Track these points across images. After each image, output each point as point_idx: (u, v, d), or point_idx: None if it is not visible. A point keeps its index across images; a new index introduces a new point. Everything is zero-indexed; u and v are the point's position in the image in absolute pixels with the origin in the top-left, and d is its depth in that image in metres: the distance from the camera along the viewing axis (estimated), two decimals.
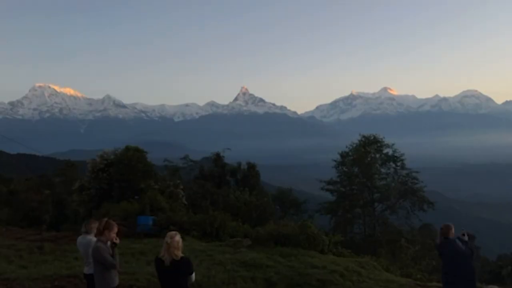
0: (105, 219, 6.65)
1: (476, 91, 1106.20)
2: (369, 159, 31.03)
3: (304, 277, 11.68)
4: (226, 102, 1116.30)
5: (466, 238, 8.25)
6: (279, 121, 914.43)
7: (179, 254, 5.75)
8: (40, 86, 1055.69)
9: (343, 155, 32.14)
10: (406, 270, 16.94)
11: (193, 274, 5.98)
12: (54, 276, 11.35)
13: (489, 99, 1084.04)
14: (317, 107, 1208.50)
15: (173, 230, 6.41)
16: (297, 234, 15.85)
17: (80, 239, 7.58)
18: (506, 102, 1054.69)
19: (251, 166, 35.80)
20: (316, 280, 11.50)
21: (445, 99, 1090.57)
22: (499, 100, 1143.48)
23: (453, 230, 8.23)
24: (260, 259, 13.22)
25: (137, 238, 17.72)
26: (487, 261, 44.46)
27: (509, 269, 35.40)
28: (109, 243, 6.44)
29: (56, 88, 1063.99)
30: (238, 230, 19.17)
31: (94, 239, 6.80)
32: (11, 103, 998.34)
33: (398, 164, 31.89)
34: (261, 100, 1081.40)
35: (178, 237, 5.84)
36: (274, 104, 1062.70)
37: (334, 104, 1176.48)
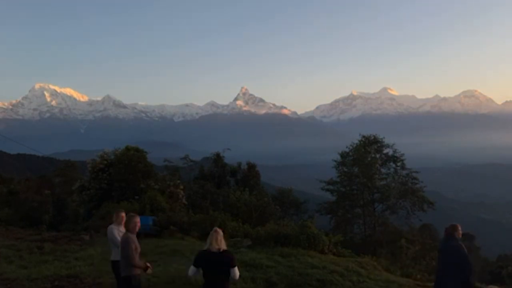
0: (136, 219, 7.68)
1: (476, 91, 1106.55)
2: (369, 159, 31.01)
3: (304, 277, 11.68)
4: (226, 102, 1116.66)
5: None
6: (279, 121, 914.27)
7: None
8: (40, 86, 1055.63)
9: (343, 155, 32.11)
10: (406, 270, 16.90)
11: (236, 268, 6.30)
12: (54, 276, 11.36)
13: (489, 99, 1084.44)
14: (317, 107, 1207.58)
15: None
16: (297, 234, 15.83)
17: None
18: (506, 102, 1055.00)
19: (251, 166, 35.76)
20: (316, 280, 11.50)
21: (445, 99, 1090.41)
22: (499, 100, 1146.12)
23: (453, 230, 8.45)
24: (260, 259, 13.21)
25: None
26: (487, 261, 44.44)
27: (509, 269, 35.40)
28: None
29: (56, 88, 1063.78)
30: (238, 230, 19.15)
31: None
32: (11, 103, 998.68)
33: (398, 164, 31.90)
34: (261, 100, 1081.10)
35: None
36: (274, 104, 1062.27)
37: (334, 104, 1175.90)
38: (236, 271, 6.25)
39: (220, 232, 6.37)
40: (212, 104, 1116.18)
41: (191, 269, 6.34)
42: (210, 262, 6.15)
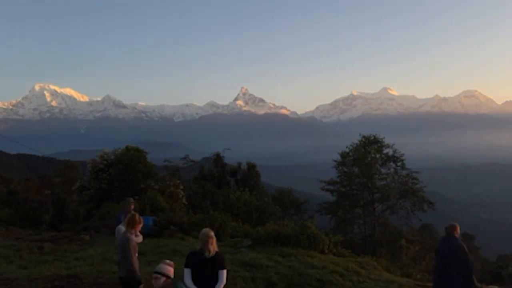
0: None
1: (476, 91, 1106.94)
2: (369, 159, 31.01)
3: (304, 277, 11.68)
4: (226, 102, 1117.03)
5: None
6: (279, 121, 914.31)
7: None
8: (40, 86, 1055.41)
9: (343, 155, 32.10)
10: (406, 270, 16.91)
11: (225, 271, 6.31)
12: (54, 276, 11.35)
13: (489, 99, 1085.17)
14: (317, 107, 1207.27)
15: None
16: (297, 234, 15.82)
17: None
18: (506, 102, 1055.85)
19: (251, 166, 35.70)
20: (316, 280, 11.50)
21: (445, 99, 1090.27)
22: (499, 100, 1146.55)
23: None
24: (260, 259, 13.20)
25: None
26: (487, 261, 44.39)
27: (509, 269, 35.35)
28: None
29: (56, 88, 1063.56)
30: (238, 230, 19.14)
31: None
32: (11, 103, 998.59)
33: (398, 164, 31.88)
34: (261, 100, 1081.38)
35: None
36: (274, 104, 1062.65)
37: (334, 104, 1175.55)
38: (225, 275, 6.27)
39: (214, 236, 6.39)
40: (212, 104, 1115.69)
41: (186, 272, 6.26)
42: (203, 266, 6.21)
